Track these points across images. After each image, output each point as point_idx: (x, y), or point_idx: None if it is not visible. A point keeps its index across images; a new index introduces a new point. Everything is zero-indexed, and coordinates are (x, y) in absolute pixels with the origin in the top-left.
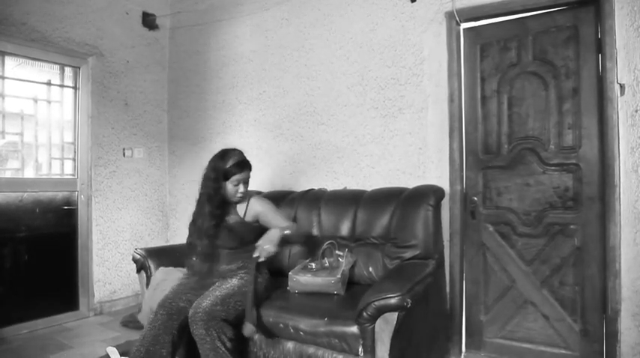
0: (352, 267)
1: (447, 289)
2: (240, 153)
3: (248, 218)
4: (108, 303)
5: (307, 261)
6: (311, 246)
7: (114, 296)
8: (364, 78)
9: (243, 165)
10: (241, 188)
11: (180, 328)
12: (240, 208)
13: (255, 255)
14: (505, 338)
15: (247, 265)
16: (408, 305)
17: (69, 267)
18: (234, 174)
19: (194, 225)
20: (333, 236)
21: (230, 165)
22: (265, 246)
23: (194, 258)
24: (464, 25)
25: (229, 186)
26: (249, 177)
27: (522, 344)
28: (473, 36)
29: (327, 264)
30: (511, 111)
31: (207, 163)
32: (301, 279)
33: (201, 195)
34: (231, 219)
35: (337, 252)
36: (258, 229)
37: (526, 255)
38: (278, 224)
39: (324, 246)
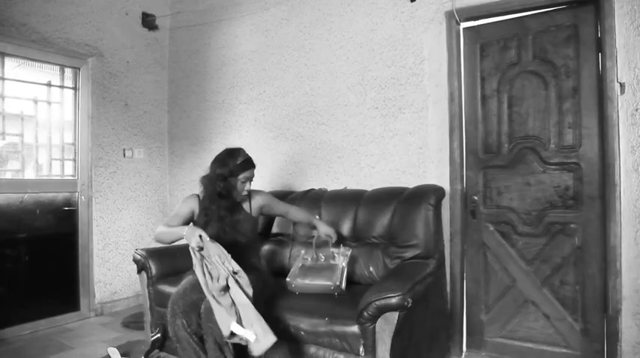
0: (352, 264)
1: (448, 289)
2: (245, 151)
3: (254, 213)
4: (109, 304)
5: (302, 253)
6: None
7: (115, 297)
8: (364, 78)
9: (251, 163)
10: (247, 185)
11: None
12: (245, 205)
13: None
14: (506, 337)
15: (254, 262)
16: (409, 305)
17: (70, 268)
18: (244, 171)
19: (200, 223)
20: None
21: (240, 162)
22: (329, 232)
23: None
24: (464, 25)
25: (238, 183)
26: (254, 174)
27: (523, 343)
28: (473, 35)
29: (323, 259)
30: (511, 110)
31: (211, 164)
32: (300, 284)
33: (210, 193)
34: (239, 215)
35: (332, 249)
36: (258, 224)
37: (527, 254)
38: (283, 209)
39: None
